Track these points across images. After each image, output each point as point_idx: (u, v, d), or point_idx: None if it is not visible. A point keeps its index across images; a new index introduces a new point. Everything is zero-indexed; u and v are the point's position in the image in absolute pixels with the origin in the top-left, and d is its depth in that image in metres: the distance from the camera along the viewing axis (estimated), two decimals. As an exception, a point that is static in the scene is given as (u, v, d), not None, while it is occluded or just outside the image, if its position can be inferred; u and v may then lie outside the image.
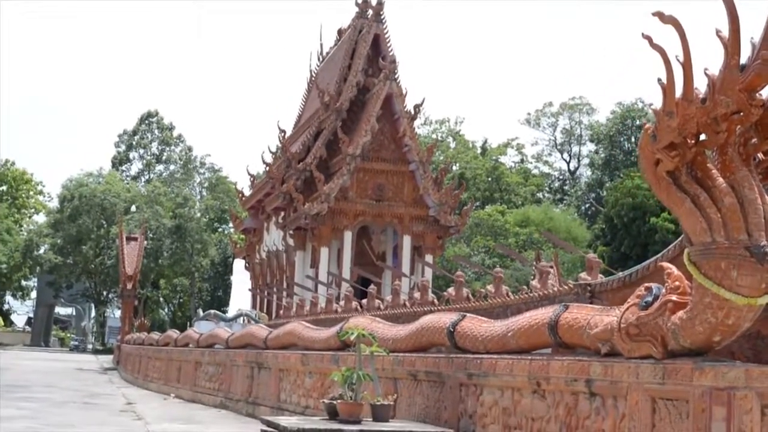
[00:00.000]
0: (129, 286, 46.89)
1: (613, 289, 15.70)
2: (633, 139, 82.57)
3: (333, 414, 9.92)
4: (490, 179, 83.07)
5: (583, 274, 18.57)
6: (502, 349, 9.06)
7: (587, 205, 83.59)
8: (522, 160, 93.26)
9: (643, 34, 6.42)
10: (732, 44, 6.18)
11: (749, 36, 6.30)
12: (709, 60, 6.44)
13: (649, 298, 7.06)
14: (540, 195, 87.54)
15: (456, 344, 9.95)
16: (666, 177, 6.65)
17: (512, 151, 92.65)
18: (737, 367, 6.19)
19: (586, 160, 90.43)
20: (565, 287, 18.30)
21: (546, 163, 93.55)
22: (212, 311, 40.36)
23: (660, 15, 6.33)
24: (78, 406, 19.43)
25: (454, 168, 76.51)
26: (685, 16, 6.37)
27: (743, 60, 6.27)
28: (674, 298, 6.81)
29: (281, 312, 36.67)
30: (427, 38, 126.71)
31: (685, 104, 6.36)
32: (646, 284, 7.30)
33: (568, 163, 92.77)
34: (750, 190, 6.41)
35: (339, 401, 9.84)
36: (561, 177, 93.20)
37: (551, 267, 22.73)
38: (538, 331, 8.54)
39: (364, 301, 29.14)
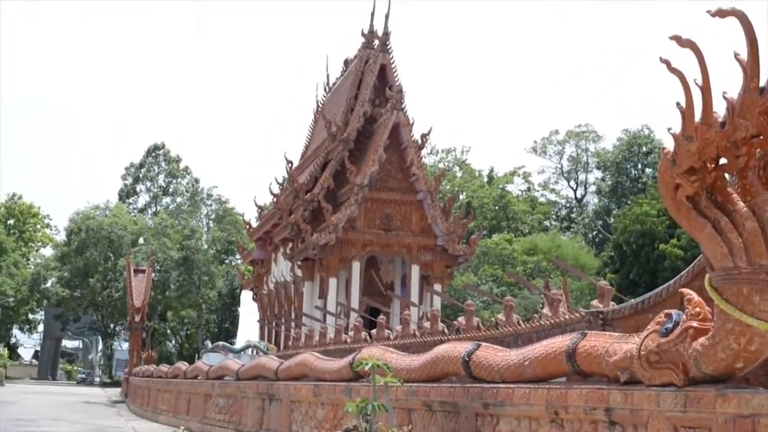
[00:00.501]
0: (137, 318, 46.84)
1: (625, 316, 15.67)
2: (639, 166, 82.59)
3: (348, 445, 9.80)
4: (496, 208, 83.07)
5: (594, 302, 18.52)
6: (519, 378, 8.96)
7: (594, 233, 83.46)
8: (529, 189, 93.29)
9: (661, 58, 6.36)
10: (751, 67, 6.13)
11: (767, 59, 6.24)
12: (724, 81, 6.39)
13: (670, 325, 6.97)
14: (547, 223, 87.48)
15: (471, 374, 9.85)
16: (686, 202, 6.57)
17: (519, 179, 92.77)
18: (761, 394, 6.10)
19: (592, 188, 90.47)
20: (577, 315, 18.25)
21: (553, 191, 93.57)
22: (220, 343, 40.22)
23: (678, 39, 6.28)
24: (88, 439, 19.32)
25: (460, 197, 76.50)
26: (698, 36, 6.31)
27: (762, 83, 6.21)
28: (695, 324, 6.71)
29: (290, 343, 36.59)
30: (431, 67, 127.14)
31: (705, 128, 6.29)
32: (666, 311, 7.21)
33: (575, 191, 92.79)
34: (771, 215, 6.33)
35: (353, 432, 9.73)
36: (568, 205, 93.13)
37: (561, 295, 22.71)
38: (555, 359, 8.44)
39: (374, 331, 29.08)
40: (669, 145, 6.70)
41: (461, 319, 24.32)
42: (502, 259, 67.35)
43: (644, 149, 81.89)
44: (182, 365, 28.15)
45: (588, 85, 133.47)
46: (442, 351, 10.73)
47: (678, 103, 6.40)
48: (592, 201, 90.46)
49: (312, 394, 14.40)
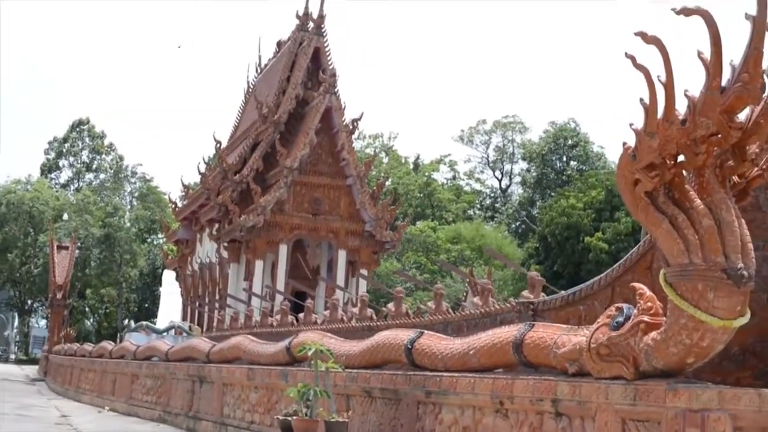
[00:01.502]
0: (59, 295, 46.03)
1: (555, 307, 15.71)
2: (565, 159, 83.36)
3: (287, 430, 9.75)
4: (422, 195, 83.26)
5: (525, 292, 18.65)
6: (463, 368, 8.97)
7: (518, 223, 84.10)
8: (454, 177, 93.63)
9: (626, 53, 6.39)
10: (714, 66, 6.19)
11: (729, 59, 6.31)
12: (685, 79, 6.44)
13: (621, 319, 7.02)
14: (471, 212, 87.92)
15: (414, 361, 9.84)
16: (644, 197, 6.63)
17: (444, 167, 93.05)
18: (711, 389, 6.18)
19: (517, 179, 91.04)
20: (508, 305, 18.36)
21: (478, 180, 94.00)
22: (144, 323, 39.87)
23: (643, 35, 6.32)
24: (11, 418, 18.93)
25: (387, 183, 76.60)
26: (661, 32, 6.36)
27: (723, 82, 6.28)
28: (646, 318, 6.77)
29: (215, 325, 36.31)
30: (361, 52, 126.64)
31: (666, 125, 6.34)
32: (617, 304, 7.27)
33: (500, 181, 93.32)
34: (727, 213, 6.41)
35: (294, 417, 9.68)
36: (492, 194, 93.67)
37: (491, 284, 22.87)
38: (501, 349, 8.46)
39: (301, 315, 28.95)
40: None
41: (390, 306, 24.34)
42: (426, 247, 67.59)
43: (570, 142, 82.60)
44: (107, 344, 27.79)
45: (516, 76, 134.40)
46: (383, 338, 10.71)
47: (641, 99, 6.45)
48: (517, 192, 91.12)
49: (246, 377, 14.29)
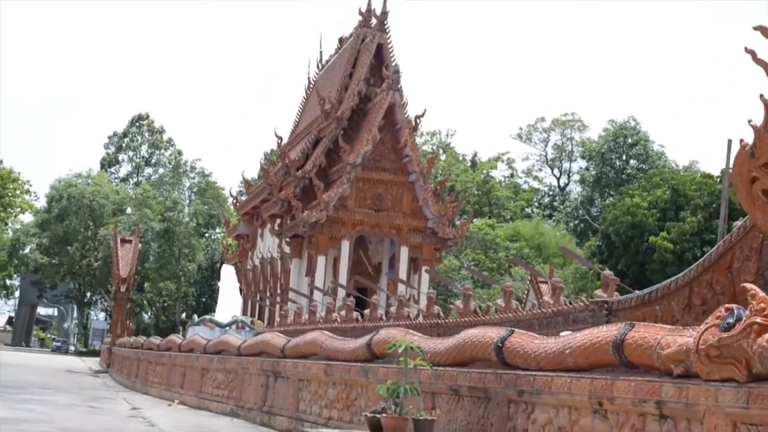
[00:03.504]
0: (123, 288, 46.51)
1: (631, 307, 15.56)
2: (624, 157, 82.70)
3: (376, 428, 9.67)
4: (479, 193, 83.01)
5: (598, 291, 18.45)
6: (557, 367, 8.85)
7: (576, 222, 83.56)
8: (512, 175, 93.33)
9: (746, 48, 6.24)
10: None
11: None
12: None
13: (731, 320, 6.86)
14: (529, 210, 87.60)
15: (504, 360, 9.72)
16: (761, 196, 6.47)
17: (502, 165, 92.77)
18: (830, 393, 6.03)
19: (576, 177, 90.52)
20: (581, 304, 18.20)
21: (536, 178, 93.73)
22: (207, 317, 40.03)
23: (763, 29, 6.17)
24: (84, 410, 19.13)
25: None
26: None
27: None
28: (759, 320, 6.61)
29: (278, 320, 36.41)
30: (419, 49, 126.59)
31: (788, 123, 6.19)
32: (726, 305, 7.11)
33: (558, 179, 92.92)
34: None
35: (384, 415, 9.60)
36: (551, 193, 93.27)
37: (561, 282, 22.69)
38: (600, 349, 8.32)
39: (366, 311, 28.96)
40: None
41: (458, 303, 24.23)
42: (484, 244, 67.36)
43: (629, 141, 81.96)
44: (176, 338, 27.96)
45: (576, 74, 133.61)
46: (471, 335, 10.60)
47: (762, 95, 6.30)
48: (575, 190, 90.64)
49: (323, 373, 14.26)
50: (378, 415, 9.70)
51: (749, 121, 6.41)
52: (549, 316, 19.13)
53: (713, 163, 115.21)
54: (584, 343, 8.62)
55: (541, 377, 8.90)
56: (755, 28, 6.22)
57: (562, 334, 11.40)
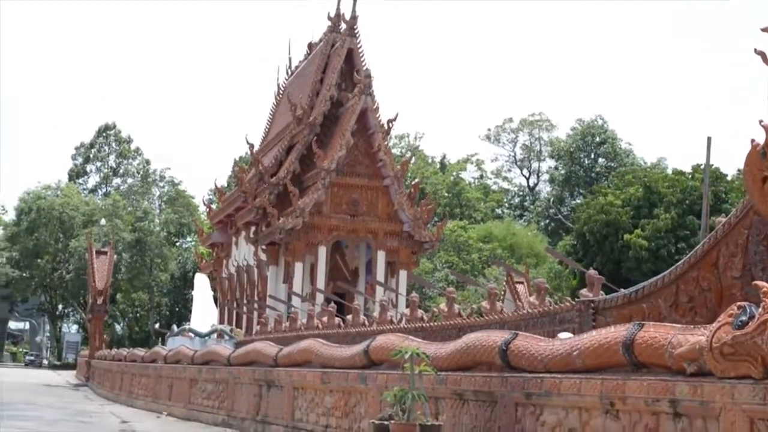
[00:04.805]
0: (99, 300, 46.21)
1: (617, 305, 15.63)
2: (593, 156, 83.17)
3: (383, 434, 9.73)
4: (450, 195, 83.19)
5: (583, 291, 18.56)
6: (565, 369, 8.91)
7: (547, 221, 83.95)
8: (481, 176, 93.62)
9: (756, 50, 6.33)
10: None
11: None
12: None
13: (744, 317, 6.94)
14: (500, 211, 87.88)
15: (509, 363, 9.78)
16: (774, 195, 6.56)
17: (472, 166, 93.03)
18: None
19: (545, 176, 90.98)
20: (567, 304, 18.28)
21: (506, 179, 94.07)
22: (187, 326, 39.88)
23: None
24: (75, 425, 19.00)
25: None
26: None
27: None
28: (772, 317, 6.70)
29: (258, 328, 36.32)
30: (384, 52, 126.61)
31: (800, 123, 6.28)
32: (739, 303, 7.20)
33: (527, 179, 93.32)
34: None
35: (392, 422, 9.66)
36: (521, 193, 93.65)
37: (545, 283, 22.80)
38: (609, 349, 8.39)
39: (348, 317, 28.93)
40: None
41: (442, 306, 24.29)
42: (457, 246, 67.51)
43: (597, 139, 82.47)
44: (161, 350, 27.83)
45: (542, 74, 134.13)
46: (474, 339, 10.66)
47: (773, 96, 6.38)
48: (545, 190, 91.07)
49: (320, 380, 14.27)
50: (386, 422, 9.75)
51: (760, 122, 6.50)
52: (535, 317, 19.18)
53: (683, 159, 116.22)
54: (593, 344, 8.68)
55: (549, 379, 8.96)
56: (763, 30, 6.31)
57: (560, 336, 11.49)
